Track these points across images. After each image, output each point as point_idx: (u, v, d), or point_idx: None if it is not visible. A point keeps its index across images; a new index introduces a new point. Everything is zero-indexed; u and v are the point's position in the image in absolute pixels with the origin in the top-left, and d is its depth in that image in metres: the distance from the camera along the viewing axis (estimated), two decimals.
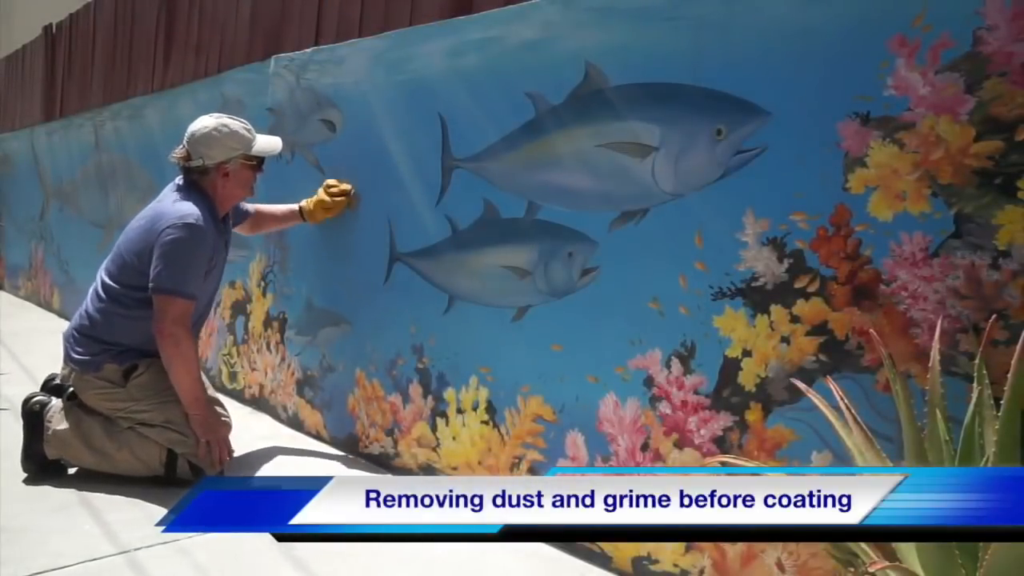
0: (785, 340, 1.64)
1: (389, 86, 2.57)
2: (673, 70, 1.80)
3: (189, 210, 2.41)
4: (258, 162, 2.59)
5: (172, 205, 2.44)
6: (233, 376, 3.50)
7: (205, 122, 2.51)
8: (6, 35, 8.18)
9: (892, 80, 1.47)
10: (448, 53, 2.34)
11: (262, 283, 3.27)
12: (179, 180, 2.54)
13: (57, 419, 2.45)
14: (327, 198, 2.74)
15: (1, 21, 8.57)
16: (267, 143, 2.61)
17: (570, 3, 2.00)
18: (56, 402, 2.51)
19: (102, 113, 4.99)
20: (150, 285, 2.36)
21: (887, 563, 1.20)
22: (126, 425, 2.42)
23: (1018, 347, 1.17)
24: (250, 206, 2.81)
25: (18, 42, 7.13)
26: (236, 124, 2.52)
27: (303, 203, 2.81)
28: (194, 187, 2.50)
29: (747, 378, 1.70)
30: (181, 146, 2.51)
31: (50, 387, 2.62)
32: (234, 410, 2.73)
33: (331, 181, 2.76)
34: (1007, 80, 1.34)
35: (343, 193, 2.74)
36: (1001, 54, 1.34)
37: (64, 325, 2.63)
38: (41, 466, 2.45)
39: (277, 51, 3.20)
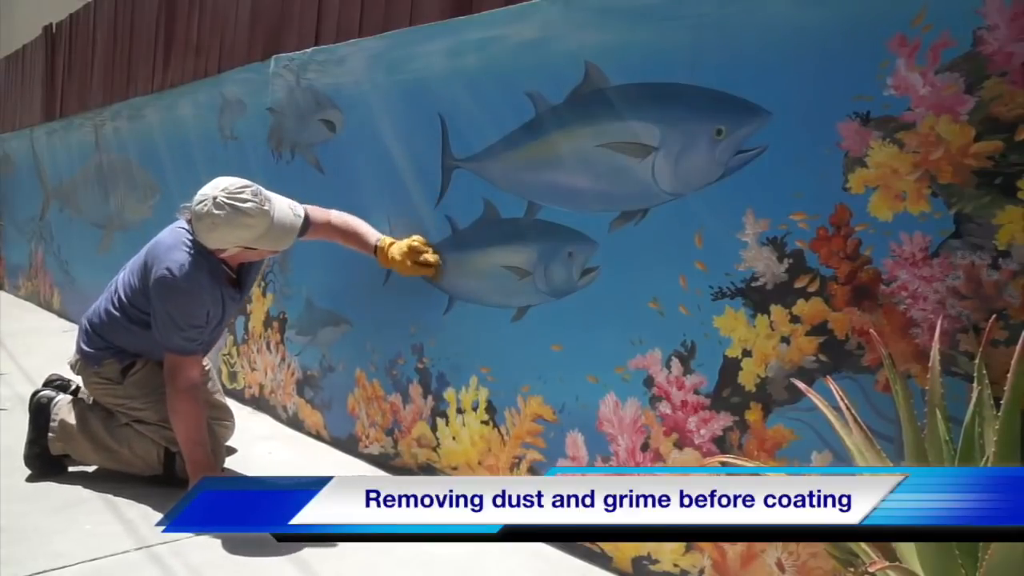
0: (785, 340, 1.64)
1: (389, 86, 2.57)
2: (673, 70, 1.80)
3: (176, 267, 2.20)
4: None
5: (166, 249, 2.25)
6: (233, 376, 3.50)
7: (204, 204, 2.16)
8: (6, 35, 8.16)
9: (892, 80, 1.47)
10: (448, 53, 2.34)
11: (262, 283, 3.27)
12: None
13: (65, 411, 2.48)
14: (409, 263, 2.37)
15: (1, 21, 8.57)
16: (275, 237, 2.22)
17: (570, 3, 2.00)
18: (63, 397, 2.55)
19: (102, 113, 4.99)
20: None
21: (887, 563, 1.20)
22: (125, 420, 2.44)
23: (1018, 347, 1.17)
24: (311, 215, 2.42)
25: (18, 42, 7.12)
26: (232, 217, 2.15)
27: (381, 242, 2.44)
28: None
29: (747, 378, 1.70)
30: (188, 206, 2.23)
31: (53, 385, 2.64)
32: (234, 410, 2.73)
33: (421, 245, 2.39)
34: (1007, 80, 1.34)
35: (430, 265, 2.37)
36: (1001, 54, 1.34)
37: (65, 324, 2.63)
38: (44, 462, 2.47)
39: (277, 51, 3.20)
